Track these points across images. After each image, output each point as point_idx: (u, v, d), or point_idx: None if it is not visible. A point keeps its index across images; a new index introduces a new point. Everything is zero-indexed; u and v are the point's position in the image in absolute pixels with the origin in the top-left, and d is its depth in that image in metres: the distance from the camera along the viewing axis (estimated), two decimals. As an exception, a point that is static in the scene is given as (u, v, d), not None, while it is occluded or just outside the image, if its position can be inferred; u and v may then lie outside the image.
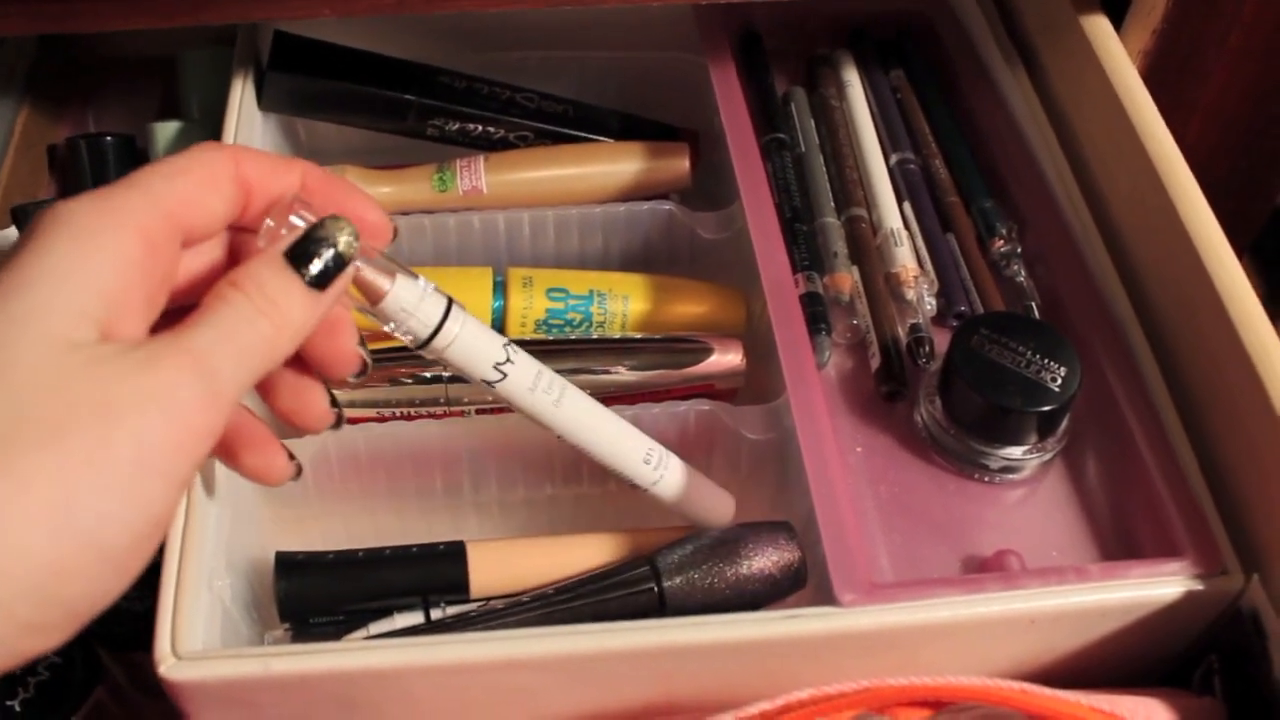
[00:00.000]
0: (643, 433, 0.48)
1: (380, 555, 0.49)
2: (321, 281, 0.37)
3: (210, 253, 0.40)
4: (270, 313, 0.36)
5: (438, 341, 0.43)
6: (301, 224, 0.38)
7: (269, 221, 0.39)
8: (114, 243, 0.34)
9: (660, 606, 0.46)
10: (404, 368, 0.53)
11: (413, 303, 0.42)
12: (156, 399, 0.32)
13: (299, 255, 0.37)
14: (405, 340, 0.43)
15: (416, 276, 0.42)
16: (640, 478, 0.48)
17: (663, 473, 0.48)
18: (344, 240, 0.38)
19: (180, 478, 0.33)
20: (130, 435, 0.32)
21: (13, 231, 0.60)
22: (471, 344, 0.44)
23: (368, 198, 0.42)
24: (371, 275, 0.41)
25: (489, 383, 0.45)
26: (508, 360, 0.45)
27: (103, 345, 0.33)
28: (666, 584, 0.46)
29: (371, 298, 0.41)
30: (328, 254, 0.37)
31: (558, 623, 0.45)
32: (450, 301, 0.43)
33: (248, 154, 0.39)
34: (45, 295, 0.33)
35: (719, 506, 0.50)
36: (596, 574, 0.47)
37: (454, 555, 0.48)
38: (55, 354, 0.32)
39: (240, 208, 0.39)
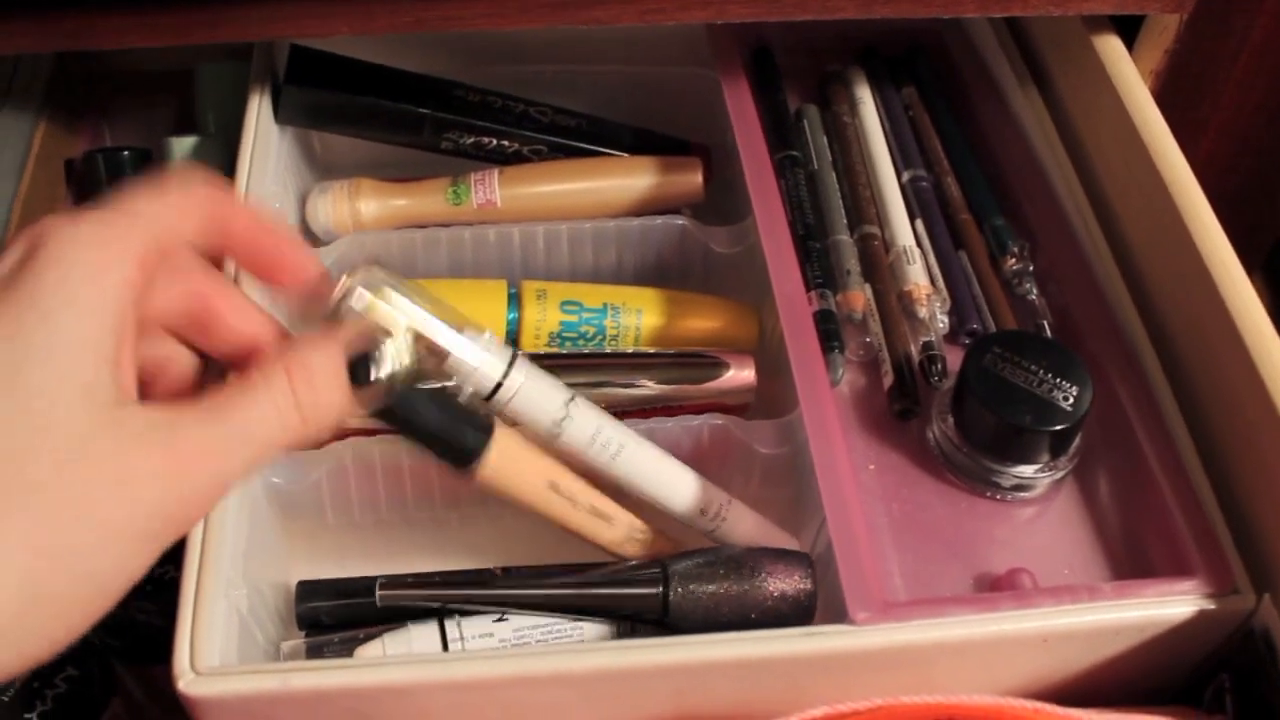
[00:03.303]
0: (704, 481, 0.50)
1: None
2: (366, 391, 0.38)
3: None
4: (310, 414, 0.36)
5: (501, 395, 0.46)
6: (359, 308, 0.39)
7: (327, 298, 0.39)
8: (120, 276, 0.34)
9: (663, 612, 0.46)
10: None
11: (476, 357, 0.44)
12: (167, 483, 0.33)
13: (361, 362, 0.38)
14: (469, 393, 0.45)
15: (482, 331, 0.44)
16: (698, 526, 0.50)
17: (718, 523, 0.50)
18: (408, 362, 0.39)
19: (161, 547, 0.34)
20: (134, 509, 0.33)
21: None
22: (534, 396, 0.46)
23: (302, 249, 0.41)
24: (436, 334, 0.43)
25: (552, 434, 0.47)
26: (567, 417, 0.47)
27: (124, 408, 0.33)
28: (673, 593, 0.45)
29: (437, 355, 0.43)
30: (387, 371, 0.38)
31: (564, 609, 0.46)
32: (515, 354, 0.45)
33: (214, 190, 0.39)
34: (68, 333, 0.33)
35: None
36: (609, 570, 0.48)
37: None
38: (79, 404, 0.32)
39: (212, 243, 0.39)
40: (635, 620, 0.46)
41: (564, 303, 0.58)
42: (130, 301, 0.34)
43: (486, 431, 0.46)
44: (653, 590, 0.46)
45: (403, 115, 0.63)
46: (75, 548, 0.32)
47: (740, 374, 0.56)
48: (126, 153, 0.67)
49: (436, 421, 0.45)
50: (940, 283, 0.57)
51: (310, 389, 0.37)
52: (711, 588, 0.46)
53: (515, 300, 0.58)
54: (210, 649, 0.42)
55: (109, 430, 0.33)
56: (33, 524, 0.31)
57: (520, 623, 0.47)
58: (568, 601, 0.46)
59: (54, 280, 0.33)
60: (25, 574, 0.31)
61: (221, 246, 0.40)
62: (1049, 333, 0.55)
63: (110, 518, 0.32)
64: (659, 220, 0.61)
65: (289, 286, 0.41)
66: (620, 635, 0.47)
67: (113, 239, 0.35)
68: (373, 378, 0.38)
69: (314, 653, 0.48)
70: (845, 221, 0.60)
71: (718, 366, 0.56)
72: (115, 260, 0.34)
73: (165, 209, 0.37)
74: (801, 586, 0.46)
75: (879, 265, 0.58)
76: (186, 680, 0.41)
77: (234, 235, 0.40)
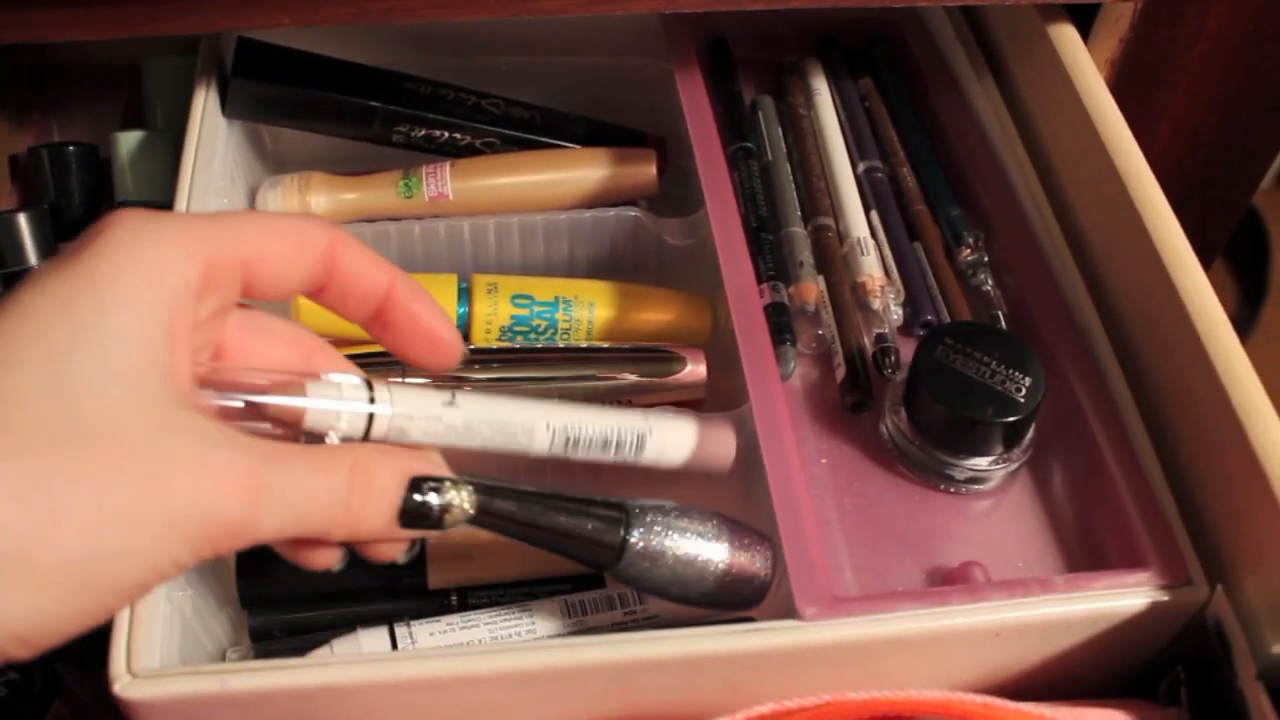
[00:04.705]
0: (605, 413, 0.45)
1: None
2: (412, 524, 0.37)
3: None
4: (354, 517, 0.36)
5: (377, 428, 0.38)
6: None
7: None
8: (180, 277, 0.33)
9: (617, 557, 0.42)
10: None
11: (334, 403, 0.37)
12: (197, 496, 0.32)
13: (417, 490, 0.37)
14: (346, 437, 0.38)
15: (319, 375, 0.38)
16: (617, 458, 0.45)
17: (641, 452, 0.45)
18: (461, 507, 0.38)
19: (166, 569, 0.32)
20: (151, 511, 0.31)
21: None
22: (412, 403, 0.39)
23: (445, 319, 0.40)
24: (282, 403, 0.37)
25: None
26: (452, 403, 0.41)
27: (173, 410, 0.32)
28: (631, 535, 0.42)
29: (292, 424, 0.37)
30: (438, 510, 0.37)
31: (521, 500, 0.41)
32: (368, 381, 0.38)
33: (348, 244, 0.38)
34: (121, 323, 0.32)
35: (718, 450, 0.48)
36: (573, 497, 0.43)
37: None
38: (120, 395, 0.31)
39: (316, 286, 0.38)
40: (584, 560, 0.43)
41: (515, 296, 0.58)
42: (186, 303, 0.34)
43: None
44: (613, 529, 0.42)
45: (353, 108, 0.62)
46: (75, 525, 0.30)
47: (693, 369, 0.55)
48: (72, 148, 0.66)
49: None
50: (895, 274, 0.57)
51: (364, 497, 0.36)
52: (673, 545, 0.43)
53: (466, 294, 0.58)
54: (150, 652, 0.41)
55: (148, 425, 0.31)
56: (32, 490, 0.29)
57: (471, 628, 0.46)
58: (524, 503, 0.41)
59: (116, 267, 0.32)
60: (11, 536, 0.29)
61: (340, 304, 0.39)
62: (1004, 324, 0.55)
63: (122, 510, 0.30)
64: (611, 212, 0.60)
65: (424, 364, 0.40)
66: (571, 614, 0.47)
67: (182, 240, 0.34)
68: (428, 511, 0.37)
69: (263, 654, 0.48)
70: (799, 213, 0.59)
71: (673, 361, 0.55)
72: (180, 259, 0.33)
73: (263, 231, 0.36)
74: (761, 569, 0.44)
75: (833, 257, 0.57)
76: (122, 683, 0.40)
77: (357, 295, 0.38)
